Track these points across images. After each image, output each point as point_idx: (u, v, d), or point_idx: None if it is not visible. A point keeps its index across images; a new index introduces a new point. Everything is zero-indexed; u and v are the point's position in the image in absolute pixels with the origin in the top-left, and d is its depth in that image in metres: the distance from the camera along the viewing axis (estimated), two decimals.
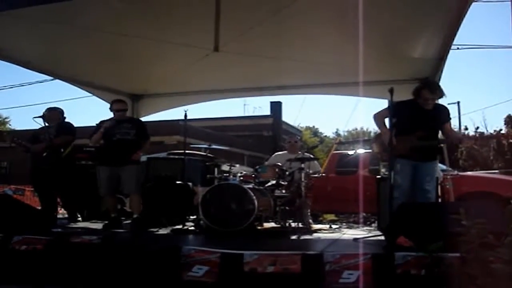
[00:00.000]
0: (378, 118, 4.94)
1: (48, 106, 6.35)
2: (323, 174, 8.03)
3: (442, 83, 6.16)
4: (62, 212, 6.90)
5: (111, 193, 5.81)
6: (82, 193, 6.43)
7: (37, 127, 6.15)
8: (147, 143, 5.97)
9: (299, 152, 6.67)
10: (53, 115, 6.26)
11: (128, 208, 6.89)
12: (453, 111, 27.30)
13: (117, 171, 5.63)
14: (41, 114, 6.07)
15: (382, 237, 4.51)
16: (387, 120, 4.78)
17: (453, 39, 4.99)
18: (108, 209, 5.86)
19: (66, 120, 6.40)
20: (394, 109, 4.69)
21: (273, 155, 7.23)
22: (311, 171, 6.42)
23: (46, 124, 6.11)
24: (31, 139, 6.22)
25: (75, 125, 6.46)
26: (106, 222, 5.68)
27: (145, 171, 6.69)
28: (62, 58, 6.31)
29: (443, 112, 4.92)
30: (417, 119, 4.71)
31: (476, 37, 61.25)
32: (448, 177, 6.38)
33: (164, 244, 4.54)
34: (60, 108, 6.41)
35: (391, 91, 4.52)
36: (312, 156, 6.59)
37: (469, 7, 4.26)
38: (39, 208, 6.15)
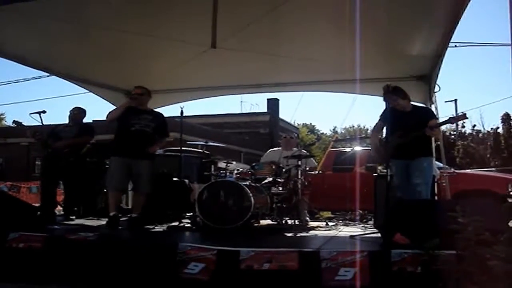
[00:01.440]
0: (373, 131, 5.30)
1: (75, 106, 6.51)
2: (320, 172, 8.05)
3: (440, 81, 6.20)
4: (57, 209, 6.86)
5: (120, 187, 5.50)
6: (81, 190, 6.41)
7: (35, 124, 6.13)
8: (163, 139, 5.69)
9: (294, 149, 6.67)
10: (79, 114, 6.45)
11: (124, 205, 6.87)
12: (450, 108, 27.39)
13: (131, 164, 5.34)
14: (37, 110, 6.06)
15: (379, 235, 4.52)
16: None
17: (451, 37, 4.98)
18: (109, 206, 5.44)
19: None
20: (384, 115, 4.95)
21: (267, 152, 7.22)
22: (307, 168, 6.42)
23: (43, 123, 6.10)
24: (50, 135, 6.26)
25: None
26: (107, 221, 5.33)
27: None
28: (59, 55, 6.28)
29: (424, 113, 5.07)
30: (397, 122, 4.83)
31: (474, 35, 61.39)
32: (445, 174, 6.37)
33: (160, 241, 4.54)
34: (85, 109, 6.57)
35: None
36: (307, 153, 6.59)
37: (467, 4, 4.25)
38: (36, 205, 6.14)
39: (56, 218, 5.86)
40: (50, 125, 6.37)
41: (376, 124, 5.22)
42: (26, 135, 6.41)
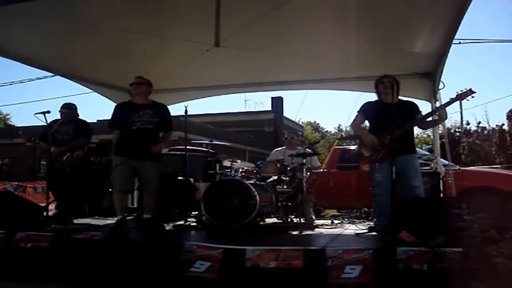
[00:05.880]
0: (355, 126, 5.12)
1: (65, 102, 6.27)
2: (325, 170, 8.04)
3: (444, 78, 6.18)
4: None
5: (124, 188, 5.18)
6: (84, 190, 6.37)
7: (38, 124, 6.10)
8: (168, 135, 5.40)
9: (299, 147, 6.67)
10: (71, 113, 6.21)
11: (129, 204, 6.87)
12: (454, 106, 27.29)
13: (135, 166, 5.07)
14: (42, 110, 6.03)
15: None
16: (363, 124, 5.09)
17: (455, 34, 4.96)
18: (115, 208, 5.09)
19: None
20: (363, 110, 4.96)
21: (272, 151, 7.22)
22: (310, 166, 6.41)
23: (48, 121, 6.03)
24: (44, 138, 5.99)
25: None
26: (114, 226, 4.98)
27: None
28: (63, 55, 6.30)
29: (410, 107, 5.00)
30: (383, 115, 4.61)
31: (478, 32, 61.09)
32: (450, 172, 6.35)
33: (166, 240, 4.55)
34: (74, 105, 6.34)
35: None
36: (312, 151, 6.58)
37: (471, 0, 4.23)
38: (42, 204, 6.15)
39: (70, 219, 5.71)
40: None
41: (356, 119, 5.05)
42: (21, 138, 6.31)
